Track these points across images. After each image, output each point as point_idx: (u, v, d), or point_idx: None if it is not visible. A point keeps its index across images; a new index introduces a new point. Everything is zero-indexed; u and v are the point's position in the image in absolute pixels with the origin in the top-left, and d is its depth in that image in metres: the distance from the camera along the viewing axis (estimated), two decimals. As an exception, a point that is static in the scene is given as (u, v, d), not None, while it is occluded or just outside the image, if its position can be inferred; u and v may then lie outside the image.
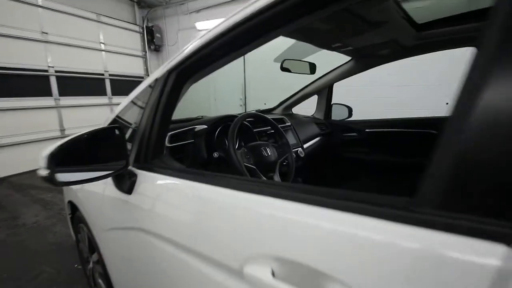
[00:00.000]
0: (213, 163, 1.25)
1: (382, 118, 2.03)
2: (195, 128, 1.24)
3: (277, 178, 1.21)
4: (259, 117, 1.30)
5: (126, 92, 1.51)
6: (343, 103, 2.34)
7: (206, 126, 1.26)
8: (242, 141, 1.48)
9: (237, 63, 5.25)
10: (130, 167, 0.95)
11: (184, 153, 1.18)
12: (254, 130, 1.49)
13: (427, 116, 1.86)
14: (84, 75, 5.27)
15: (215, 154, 1.13)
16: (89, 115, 5.29)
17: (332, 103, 2.26)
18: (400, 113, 4.03)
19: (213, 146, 1.31)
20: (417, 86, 4.22)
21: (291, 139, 1.70)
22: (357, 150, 2.09)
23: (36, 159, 0.86)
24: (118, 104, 1.45)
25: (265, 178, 1.15)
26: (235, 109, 5.36)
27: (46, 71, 4.67)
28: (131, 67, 6.29)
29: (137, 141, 0.99)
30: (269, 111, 2.34)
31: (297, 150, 1.63)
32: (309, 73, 1.62)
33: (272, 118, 1.47)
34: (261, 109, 2.32)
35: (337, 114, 2.32)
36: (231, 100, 5.44)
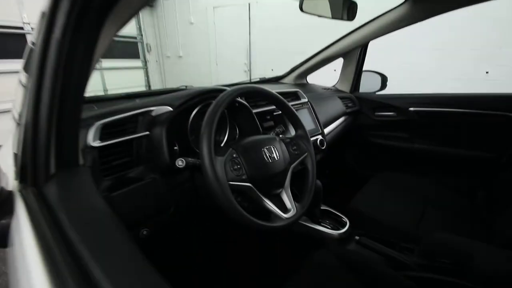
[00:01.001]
0: (181, 175, 0.77)
1: (434, 93, 1.47)
2: (151, 111, 0.73)
3: (287, 199, 0.73)
4: (260, 93, 0.77)
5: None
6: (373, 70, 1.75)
7: (170, 109, 0.75)
8: (234, 131, 0.98)
9: (241, 21, 4.49)
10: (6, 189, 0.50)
11: (133, 157, 0.70)
12: (255, 111, 0.98)
13: (506, 92, 1.29)
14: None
15: (179, 163, 0.63)
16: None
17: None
18: (427, 83, 3.35)
19: (182, 144, 0.82)
20: (452, 51, 3.44)
21: (308, 122, 1.18)
22: (396, 136, 1.56)
23: None
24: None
25: (266, 202, 0.67)
26: (239, 76, 4.72)
27: (22, 28, 4.05)
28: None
29: (20, 143, 0.52)
30: (277, 80, 1.78)
31: (317, 140, 1.12)
32: (343, 17, 1.03)
33: (282, 92, 0.94)
34: (266, 77, 1.77)
35: (366, 85, 1.75)
36: (234, 65, 4.76)
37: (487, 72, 3.23)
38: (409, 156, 1.55)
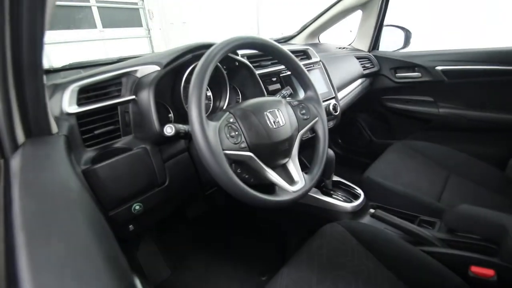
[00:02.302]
0: (176, 145, 0.68)
1: (465, 48, 1.27)
2: (135, 71, 0.63)
3: (295, 170, 0.64)
4: (261, 46, 0.64)
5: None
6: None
7: (158, 68, 0.65)
8: (235, 96, 0.87)
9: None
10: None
11: (119, 125, 0.62)
12: (259, 72, 0.86)
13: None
14: None
15: (168, 130, 0.55)
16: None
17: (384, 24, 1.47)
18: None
19: (177, 110, 0.73)
20: None
21: (319, 85, 1.05)
22: (420, 100, 1.40)
23: None
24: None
25: (270, 174, 0.58)
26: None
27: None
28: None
29: None
30: (286, 40, 1.61)
31: (329, 104, 1.00)
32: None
33: (290, 50, 0.81)
34: (273, 38, 1.60)
35: (387, 43, 1.55)
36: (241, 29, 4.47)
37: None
38: (433, 122, 1.40)
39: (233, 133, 0.55)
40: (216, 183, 0.56)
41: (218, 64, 0.76)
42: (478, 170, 1.08)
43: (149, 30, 4.81)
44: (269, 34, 4.25)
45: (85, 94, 0.57)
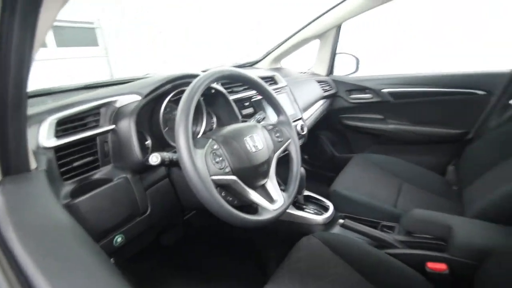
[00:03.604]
0: (156, 172, 0.70)
1: (405, 74, 1.50)
2: (115, 101, 0.64)
3: (274, 189, 0.69)
4: (238, 77, 0.71)
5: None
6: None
7: (138, 98, 0.66)
8: (211, 121, 0.91)
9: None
10: None
11: (97, 156, 0.61)
12: (232, 97, 0.92)
13: (474, 71, 1.35)
14: None
15: (153, 159, 0.56)
16: None
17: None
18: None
19: (154, 137, 0.74)
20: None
21: (287, 108, 1.15)
22: (372, 118, 1.59)
23: None
24: None
25: (253, 195, 0.62)
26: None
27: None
28: None
29: None
30: (251, 65, 1.71)
31: (297, 125, 1.10)
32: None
33: (260, 77, 0.89)
34: (239, 63, 1.69)
35: (340, 68, 1.74)
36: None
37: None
38: (384, 137, 1.59)
39: (217, 159, 0.58)
40: (196, 206, 0.57)
41: None
42: (424, 177, 1.25)
43: (106, 50, 4.62)
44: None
45: (62, 126, 0.56)
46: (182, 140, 0.51)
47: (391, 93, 1.48)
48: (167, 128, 0.78)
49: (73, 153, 0.57)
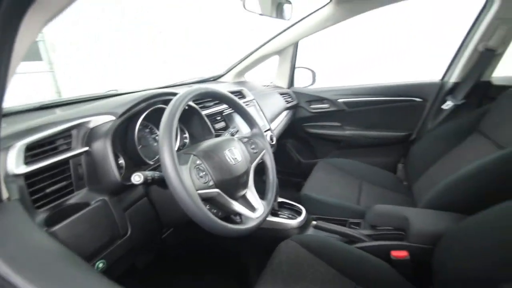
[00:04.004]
0: (134, 192, 0.68)
1: (356, 85, 1.68)
2: (88, 122, 0.62)
3: (254, 198, 0.73)
4: (214, 94, 0.74)
5: None
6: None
7: (113, 117, 0.65)
8: (183, 136, 0.92)
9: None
10: None
11: (71, 180, 0.58)
12: (204, 112, 0.94)
13: (412, 81, 1.57)
14: None
15: (136, 178, 0.56)
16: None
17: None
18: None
19: (127, 156, 0.73)
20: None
21: (258, 120, 1.20)
22: (331, 125, 1.73)
23: None
24: None
25: (235, 205, 0.65)
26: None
27: None
28: None
29: None
30: (215, 79, 1.75)
31: (266, 136, 1.15)
32: (281, 17, 1.08)
33: (230, 91, 0.93)
34: (204, 77, 1.72)
35: (299, 80, 1.88)
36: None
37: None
38: (343, 142, 1.74)
39: (201, 174, 0.60)
40: (176, 222, 0.58)
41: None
42: (379, 176, 1.40)
43: (51, 65, 4.23)
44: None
45: (31, 152, 0.53)
46: (167, 158, 0.52)
47: (345, 103, 1.65)
48: (140, 146, 0.77)
49: (44, 179, 0.54)
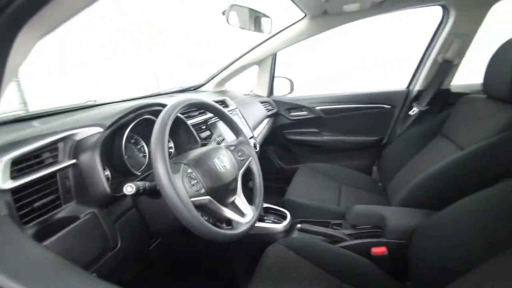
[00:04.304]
0: (123, 204, 0.68)
1: (333, 93, 1.78)
2: (74, 134, 0.62)
3: (243, 204, 0.75)
4: (202, 105, 0.76)
5: None
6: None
7: (100, 129, 0.65)
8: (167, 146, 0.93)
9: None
10: None
11: (59, 193, 0.57)
12: (190, 122, 0.95)
13: (381, 90, 1.69)
14: None
15: (128, 189, 0.56)
16: None
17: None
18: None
19: (113, 166, 0.72)
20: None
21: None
22: (309, 131, 1.81)
23: None
24: None
25: (226, 212, 0.67)
26: (148, 84, 4.33)
27: None
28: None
29: None
30: (196, 88, 1.77)
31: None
32: (261, 30, 1.14)
33: (214, 101, 0.95)
34: (184, 86, 1.73)
35: (278, 89, 1.95)
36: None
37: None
38: (322, 148, 1.82)
39: (193, 182, 0.62)
40: (165, 232, 0.58)
41: (154, 119, 0.82)
42: (356, 178, 1.49)
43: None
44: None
45: (17, 166, 0.51)
46: (161, 168, 0.54)
47: (322, 110, 1.73)
48: (126, 157, 0.77)
49: (31, 194, 0.52)
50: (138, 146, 0.87)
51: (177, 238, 1.09)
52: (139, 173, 0.78)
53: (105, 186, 0.60)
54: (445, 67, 1.43)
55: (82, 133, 0.63)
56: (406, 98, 1.59)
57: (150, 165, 0.86)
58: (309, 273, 0.81)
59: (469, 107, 1.13)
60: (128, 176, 0.76)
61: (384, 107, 1.65)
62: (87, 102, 1.14)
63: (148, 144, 0.86)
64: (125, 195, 0.67)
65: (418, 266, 0.77)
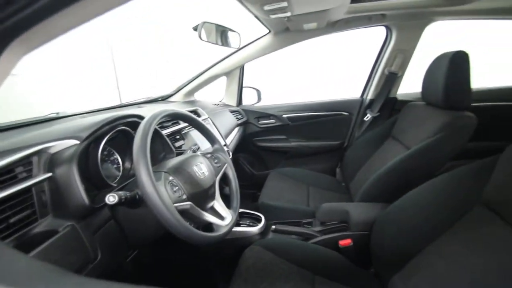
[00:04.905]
0: (101, 215, 0.68)
1: (298, 102, 1.91)
2: (50, 146, 0.61)
3: (221, 208, 0.79)
4: (178, 115, 0.79)
5: None
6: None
7: (76, 142, 0.65)
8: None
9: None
10: None
11: (35, 208, 0.55)
12: (164, 132, 0.97)
13: (340, 98, 1.87)
14: None
15: (110, 199, 0.57)
16: None
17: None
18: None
19: (88, 177, 0.72)
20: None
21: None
22: (278, 138, 1.91)
23: None
24: None
25: (207, 216, 0.71)
26: (109, 96, 4.13)
27: None
28: None
29: None
30: (164, 99, 1.77)
31: (223, 151, 1.23)
32: (230, 45, 1.20)
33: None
34: (152, 97, 1.72)
35: (246, 99, 2.03)
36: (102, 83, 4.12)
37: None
38: (290, 153, 1.93)
39: (175, 188, 0.64)
40: (144, 242, 0.60)
41: (130, 130, 0.83)
42: (322, 180, 1.61)
43: None
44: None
45: None
46: (145, 176, 0.56)
47: (289, 118, 1.85)
48: (101, 168, 0.76)
49: (5, 210, 0.51)
50: (112, 158, 0.87)
51: (155, 248, 1.08)
52: (115, 185, 0.78)
53: (84, 198, 0.60)
54: (391, 78, 1.64)
55: (57, 146, 0.62)
56: (360, 106, 1.78)
57: (124, 177, 0.86)
58: (284, 270, 0.87)
59: (412, 113, 1.32)
60: (103, 188, 0.75)
61: (343, 114, 1.82)
62: (50, 114, 1.10)
63: (122, 155, 0.86)
64: (103, 207, 0.67)
65: (378, 253, 0.88)
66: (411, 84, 1.74)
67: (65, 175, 0.60)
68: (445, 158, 1.05)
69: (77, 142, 0.65)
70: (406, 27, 1.50)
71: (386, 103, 1.68)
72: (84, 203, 0.60)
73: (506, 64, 3.70)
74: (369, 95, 1.75)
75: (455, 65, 1.02)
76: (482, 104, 1.59)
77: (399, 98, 1.72)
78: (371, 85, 1.74)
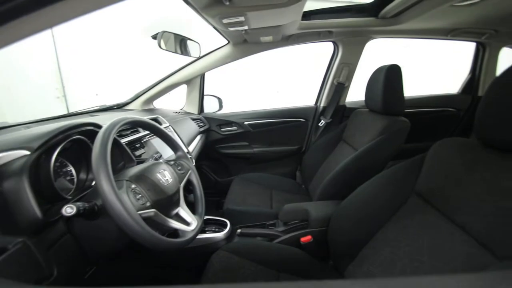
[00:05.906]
0: (55, 230, 0.64)
1: (258, 109, 1.99)
2: None
3: (186, 214, 0.79)
4: (139, 123, 0.78)
5: None
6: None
7: (27, 152, 0.60)
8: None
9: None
10: None
11: None
12: (123, 140, 0.95)
13: (297, 106, 1.99)
14: None
15: (68, 210, 0.54)
16: None
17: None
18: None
19: (39, 190, 0.67)
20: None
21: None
22: (240, 145, 1.95)
23: None
24: None
25: (172, 222, 0.71)
26: (50, 106, 3.74)
27: None
28: None
29: None
30: (120, 107, 1.69)
31: (186, 159, 1.23)
32: (190, 54, 1.22)
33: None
34: (107, 105, 1.64)
35: (208, 107, 2.05)
36: (40, 92, 3.70)
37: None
38: (252, 159, 1.99)
39: (138, 196, 0.64)
40: (104, 254, 0.58)
41: (86, 139, 0.80)
42: (284, 183, 1.69)
43: None
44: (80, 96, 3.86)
45: None
46: (106, 185, 0.55)
47: (250, 125, 1.92)
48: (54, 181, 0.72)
49: None
50: (64, 170, 0.82)
51: (116, 263, 1.02)
52: (70, 197, 0.74)
53: (37, 211, 0.57)
54: (340, 88, 1.82)
55: (5, 158, 0.58)
56: (315, 113, 1.93)
57: (79, 189, 0.81)
58: (251, 271, 0.90)
59: (358, 118, 1.48)
60: (56, 201, 0.71)
61: (300, 121, 1.94)
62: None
63: (76, 167, 0.82)
64: (57, 220, 0.64)
65: (335, 245, 0.97)
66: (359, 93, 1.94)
67: (14, 189, 0.56)
68: (387, 157, 1.20)
69: (27, 152, 0.61)
70: (350, 43, 1.69)
71: (336, 110, 1.85)
72: (37, 216, 0.56)
73: (433, 75, 4.34)
74: (322, 103, 1.90)
75: (390, 76, 1.19)
76: (413, 110, 1.86)
77: (348, 105, 1.90)
78: (323, 94, 1.89)
